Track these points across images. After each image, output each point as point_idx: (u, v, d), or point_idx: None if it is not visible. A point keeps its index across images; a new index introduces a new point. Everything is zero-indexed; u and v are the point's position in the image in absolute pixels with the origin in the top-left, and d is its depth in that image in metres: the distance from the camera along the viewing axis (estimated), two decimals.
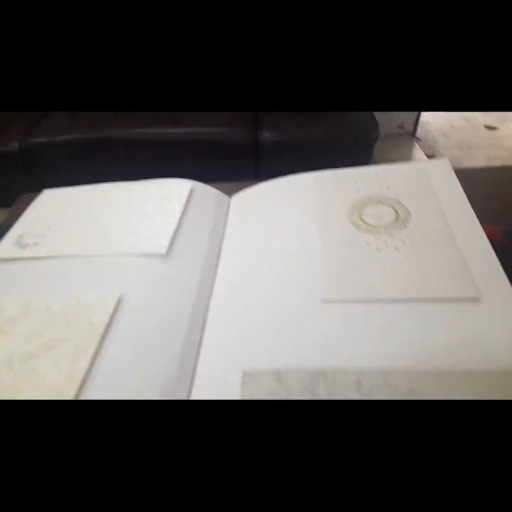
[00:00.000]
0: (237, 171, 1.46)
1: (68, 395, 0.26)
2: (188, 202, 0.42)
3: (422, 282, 0.30)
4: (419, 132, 1.95)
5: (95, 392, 0.27)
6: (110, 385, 0.27)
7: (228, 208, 0.44)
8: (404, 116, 1.89)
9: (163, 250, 0.36)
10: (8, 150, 1.31)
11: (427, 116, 2.10)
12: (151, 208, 0.41)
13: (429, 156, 1.80)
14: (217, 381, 0.27)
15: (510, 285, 0.29)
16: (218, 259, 0.37)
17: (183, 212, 0.40)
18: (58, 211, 0.44)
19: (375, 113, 1.40)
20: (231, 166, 1.32)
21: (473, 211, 0.35)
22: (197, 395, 0.27)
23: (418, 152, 1.84)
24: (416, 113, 1.88)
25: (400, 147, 1.85)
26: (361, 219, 0.36)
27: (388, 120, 1.84)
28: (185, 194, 0.42)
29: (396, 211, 0.36)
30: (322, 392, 0.25)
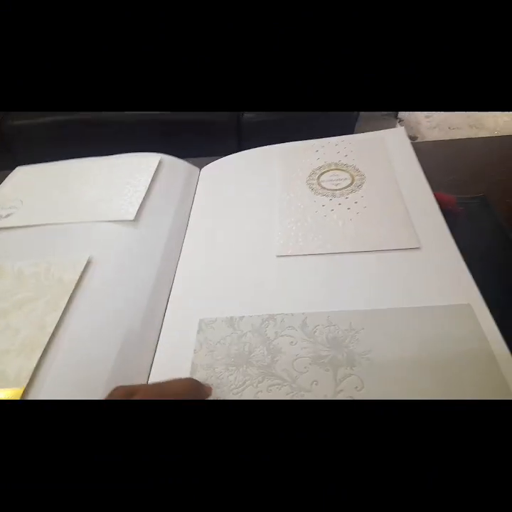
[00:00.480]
0: (220, 151, 1.47)
1: (39, 347, 0.29)
2: (157, 173, 0.44)
3: (369, 237, 0.33)
4: (401, 113, 1.97)
5: (66, 343, 0.29)
6: (80, 337, 0.30)
7: (198, 178, 0.46)
8: None
9: (131, 216, 0.38)
10: None
11: None
12: (121, 179, 0.43)
13: (412, 138, 1.83)
14: (178, 330, 0.30)
15: (451, 238, 0.32)
16: (187, 223, 0.40)
17: (152, 182, 0.42)
18: (31, 185, 0.46)
19: None
20: (214, 146, 1.33)
21: (423, 174, 0.38)
22: (161, 342, 0.30)
23: None
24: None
25: (383, 128, 1.87)
26: (319, 184, 0.39)
27: None
28: (154, 166, 0.44)
29: (352, 176, 0.39)
30: (271, 334, 0.27)
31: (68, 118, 1.32)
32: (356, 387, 0.24)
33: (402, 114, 1.97)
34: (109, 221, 0.38)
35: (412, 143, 0.45)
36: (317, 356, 0.26)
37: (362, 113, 1.38)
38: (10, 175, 0.48)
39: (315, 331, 0.27)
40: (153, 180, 0.43)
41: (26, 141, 1.34)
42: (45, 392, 0.27)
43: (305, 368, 0.25)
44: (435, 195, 0.37)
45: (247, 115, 1.34)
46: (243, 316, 0.29)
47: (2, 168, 0.58)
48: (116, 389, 0.24)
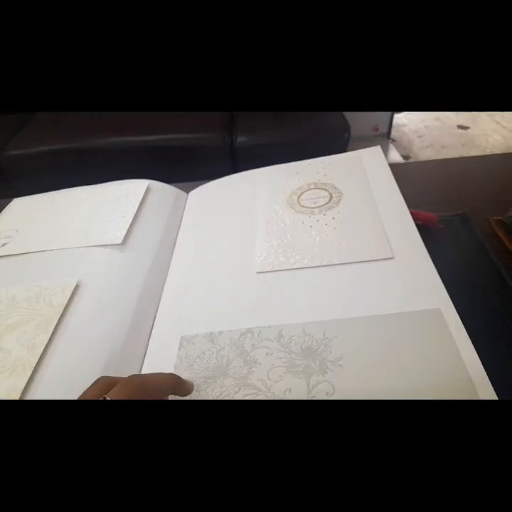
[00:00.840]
0: (214, 176, 1.50)
1: (30, 365, 0.30)
2: (144, 198, 0.46)
3: (345, 250, 0.35)
4: (394, 134, 2.03)
5: (55, 363, 0.31)
6: (68, 357, 0.31)
7: (185, 202, 0.48)
8: (379, 118, 1.96)
9: (119, 240, 0.40)
10: None
11: (401, 118, 2.18)
12: (110, 205, 0.45)
13: (405, 157, 1.87)
14: (163, 348, 0.32)
15: (424, 248, 0.34)
16: (174, 245, 0.42)
17: (140, 207, 0.45)
18: (25, 216, 0.48)
19: (349, 115, 1.46)
20: (208, 170, 1.37)
21: (397, 189, 0.40)
22: (147, 361, 0.31)
23: (393, 153, 1.91)
24: (390, 115, 1.96)
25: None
26: (299, 203, 0.41)
27: (363, 122, 1.91)
28: (142, 192, 0.46)
29: (330, 194, 0.41)
30: (248, 346, 0.29)
31: (63, 147, 1.37)
32: (327, 393, 0.25)
33: (394, 135, 2.03)
34: (98, 246, 0.40)
35: (400, 163, 0.47)
36: (291, 365, 0.27)
37: (354, 134, 1.43)
38: (7, 207, 0.51)
39: (290, 342, 0.29)
40: (141, 205, 0.45)
41: (24, 170, 1.38)
42: None
43: (279, 376, 0.27)
44: (416, 213, 0.39)
45: (241, 139, 1.38)
46: (222, 331, 0.30)
47: (2, 197, 0.61)
48: (99, 379, 0.25)
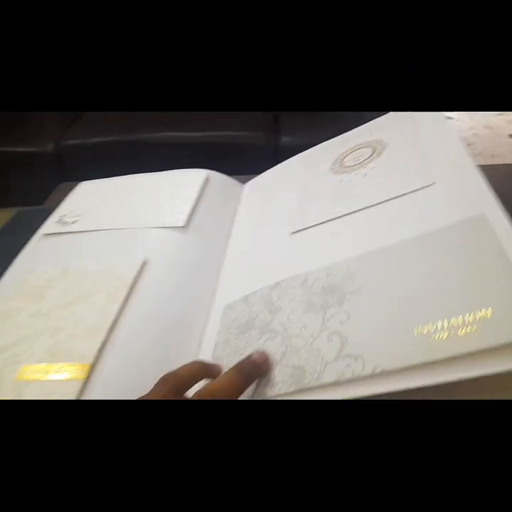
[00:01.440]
0: (258, 174, 1.53)
1: (102, 331, 0.33)
2: (204, 186, 0.49)
3: (380, 190, 0.35)
4: None
5: (123, 331, 0.33)
6: (135, 326, 0.34)
7: (241, 192, 0.51)
8: None
9: (182, 223, 0.43)
10: (44, 151, 1.43)
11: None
12: (172, 191, 0.48)
13: None
14: (214, 318, 0.35)
15: (475, 168, 0.31)
16: (230, 233, 0.44)
17: (200, 194, 0.47)
18: (93, 197, 0.52)
19: None
20: (252, 168, 1.40)
21: (455, 133, 0.37)
22: (207, 330, 0.34)
23: None
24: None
25: None
26: (342, 165, 0.42)
27: None
28: (201, 180, 0.49)
29: (373, 149, 0.42)
30: (274, 297, 0.30)
31: (116, 139, 1.43)
32: (341, 321, 0.25)
33: None
34: (162, 227, 0.43)
35: None
36: (310, 304, 0.28)
37: None
38: (75, 188, 0.55)
39: (313, 285, 0.29)
40: (200, 192, 0.48)
41: (79, 160, 1.46)
42: (107, 369, 0.31)
43: (297, 317, 0.28)
44: None
45: (285, 139, 1.40)
46: (256, 291, 0.32)
47: (58, 183, 0.66)
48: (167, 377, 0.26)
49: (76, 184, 0.57)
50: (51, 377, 0.31)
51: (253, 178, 0.55)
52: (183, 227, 0.43)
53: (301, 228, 0.37)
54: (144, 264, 0.39)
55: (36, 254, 0.44)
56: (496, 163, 1.85)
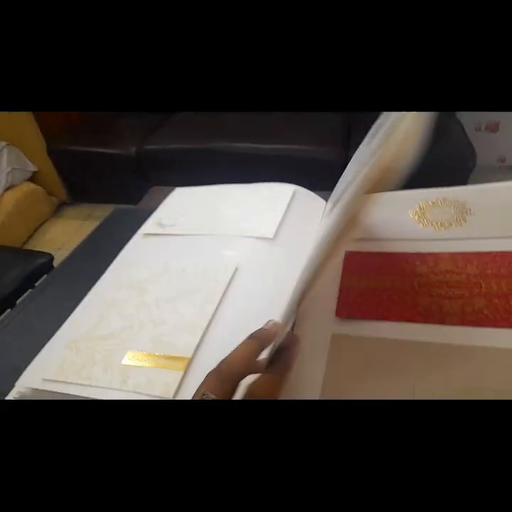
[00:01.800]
0: (329, 188, 1.54)
1: (200, 328, 0.36)
2: (291, 201, 0.51)
3: None
4: None
5: (218, 329, 0.37)
6: (228, 324, 0.37)
7: (324, 208, 0.53)
8: (507, 149, 1.83)
9: (271, 235, 0.45)
10: (127, 154, 1.55)
11: None
12: (262, 203, 0.51)
13: None
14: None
15: None
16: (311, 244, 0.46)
17: (287, 208, 0.50)
18: (188, 203, 0.56)
19: (477, 144, 1.39)
20: (322, 185, 1.41)
21: None
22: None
23: None
24: None
25: (500, 180, 1.79)
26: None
27: (489, 151, 1.80)
28: (290, 194, 0.52)
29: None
30: None
31: (193, 146, 1.51)
32: None
33: None
34: (252, 237, 0.46)
35: None
36: None
37: (479, 164, 1.35)
38: (171, 194, 0.60)
39: None
40: (288, 206, 0.50)
41: (158, 163, 1.55)
42: (203, 363, 0.34)
43: None
44: None
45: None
46: None
47: (139, 182, 0.71)
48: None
49: (167, 188, 0.62)
50: (154, 366, 0.34)
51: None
52: (271, 238, 0.45)
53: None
54: (236, 270, 0.42)
55: (137, 251, 0.49)
56: None
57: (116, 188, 1.63)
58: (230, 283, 0.40)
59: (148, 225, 0.53)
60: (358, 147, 1.37)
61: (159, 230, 0.51)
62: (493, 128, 1.81)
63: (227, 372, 0.26)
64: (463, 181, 1.35)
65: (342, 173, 1.44)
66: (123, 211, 0.66)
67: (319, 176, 1.43)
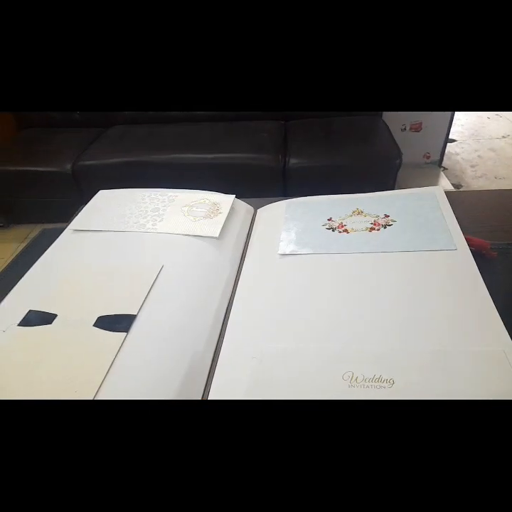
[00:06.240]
0: (267, 194, 1.63)
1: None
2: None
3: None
4: (445, 162, 2.10)
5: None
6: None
7: (254, 217, 0.60)
8: (431, 146, 2.05)
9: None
10: (62, 171, 1.55)
11: (454, 147, 2.25)
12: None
13: (456, 186, 1.94)
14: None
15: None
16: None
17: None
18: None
19: (400, 142, 1.56)
20: (261, 189, 1.51)
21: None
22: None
23: (444, 181, 1.99)
24: (442, 143, 2.04)
25: (426, 176, 2.00)
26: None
27: (415, 149, 2.00)
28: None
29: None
30: None
31: (130, 160, 1.55)
32: None
33: (445, 163, 2.10)
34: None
35: (455, 191, 0.54)
36: None
37: (404, 161, 1.52)
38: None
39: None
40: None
41: (94, 179, 1.57)
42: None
43: None
44: (469, 239, 0.44)
45: (293, 161, 1.51)
46: None
47: (73, 202, 0.73)
48: None
49: None
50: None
51: (263, 200, 0.63)
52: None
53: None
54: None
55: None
56: (499, 184, 1.96)
57: (53, 208, 1.62)
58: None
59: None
60: (295, 154, 1.50)
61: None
62: (417, 128, 2.02)
63: None
64: (392, 179, 1.51)
65: (280, 178, 1.57)
66: (51, 231, 0.64)
67: (260, 182, 1.53)
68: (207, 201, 0.60)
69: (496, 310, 0.36)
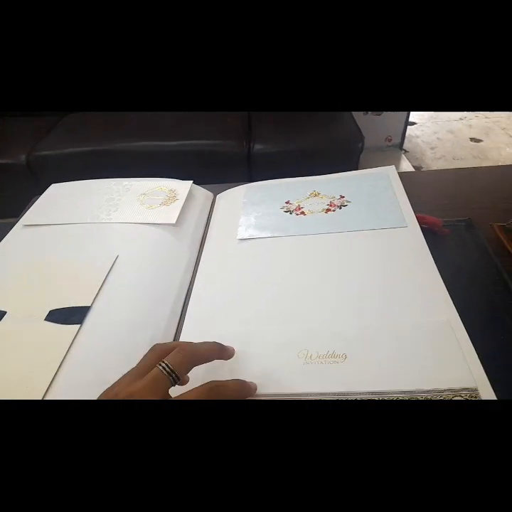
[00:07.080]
0: (231, 180, 1.62)
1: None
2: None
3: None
4: (406, 145, 2.15)
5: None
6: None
7: (214, 202, 0.60)
8: (392, 129, 2.09)
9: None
10: (16, 162, 1.48)
11: (414, 130, 2.30)
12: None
13: (417, 168, 1.99)
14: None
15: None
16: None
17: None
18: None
19: (362, 125, 1.58)
20: (227, 175, 1.50)
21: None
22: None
23: (405, 163, 2.03)
24: (403, 126, 2.08)
25: (388, 159, 2.03)
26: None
27: (376, 133, 2.04)
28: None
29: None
30: None
31: (89, 149, 1.49)
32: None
33: (406, 146, 2.15)
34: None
35: (410, 171, 0.56)
36: None
37: (367, 144, 1.54)
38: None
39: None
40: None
41: (52, 170, 1.51)
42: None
43: None
44: (421, 217, 0.45)
45: (258, 147, 1.51)
46: None
47: (30, 196, 0.71)
48: (155, 346, 0.28)
49: None
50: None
51: (225, 185, 0.63)
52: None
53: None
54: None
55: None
56: (457, 165, 2.02)
57: (9, 201, 1.55)
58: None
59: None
60: (259, 140, 1.47)
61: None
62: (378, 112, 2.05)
63: (192, 352, 0.28)
64: (354, 162, 1.53)
65: (245, 164, 1.55)
66: (2, 225, 0.62)
67: (226, 168, 1.52)
68: (164, 188, 0.59)
69: (442, 283, 0.37)
